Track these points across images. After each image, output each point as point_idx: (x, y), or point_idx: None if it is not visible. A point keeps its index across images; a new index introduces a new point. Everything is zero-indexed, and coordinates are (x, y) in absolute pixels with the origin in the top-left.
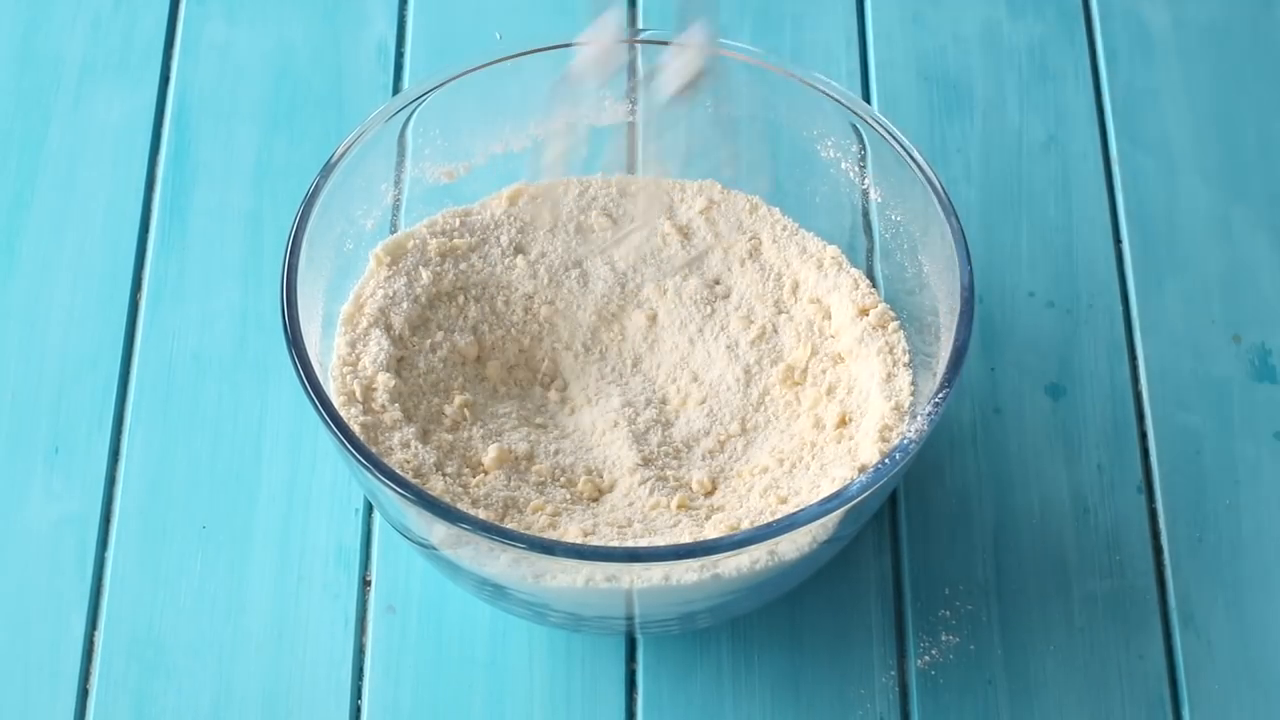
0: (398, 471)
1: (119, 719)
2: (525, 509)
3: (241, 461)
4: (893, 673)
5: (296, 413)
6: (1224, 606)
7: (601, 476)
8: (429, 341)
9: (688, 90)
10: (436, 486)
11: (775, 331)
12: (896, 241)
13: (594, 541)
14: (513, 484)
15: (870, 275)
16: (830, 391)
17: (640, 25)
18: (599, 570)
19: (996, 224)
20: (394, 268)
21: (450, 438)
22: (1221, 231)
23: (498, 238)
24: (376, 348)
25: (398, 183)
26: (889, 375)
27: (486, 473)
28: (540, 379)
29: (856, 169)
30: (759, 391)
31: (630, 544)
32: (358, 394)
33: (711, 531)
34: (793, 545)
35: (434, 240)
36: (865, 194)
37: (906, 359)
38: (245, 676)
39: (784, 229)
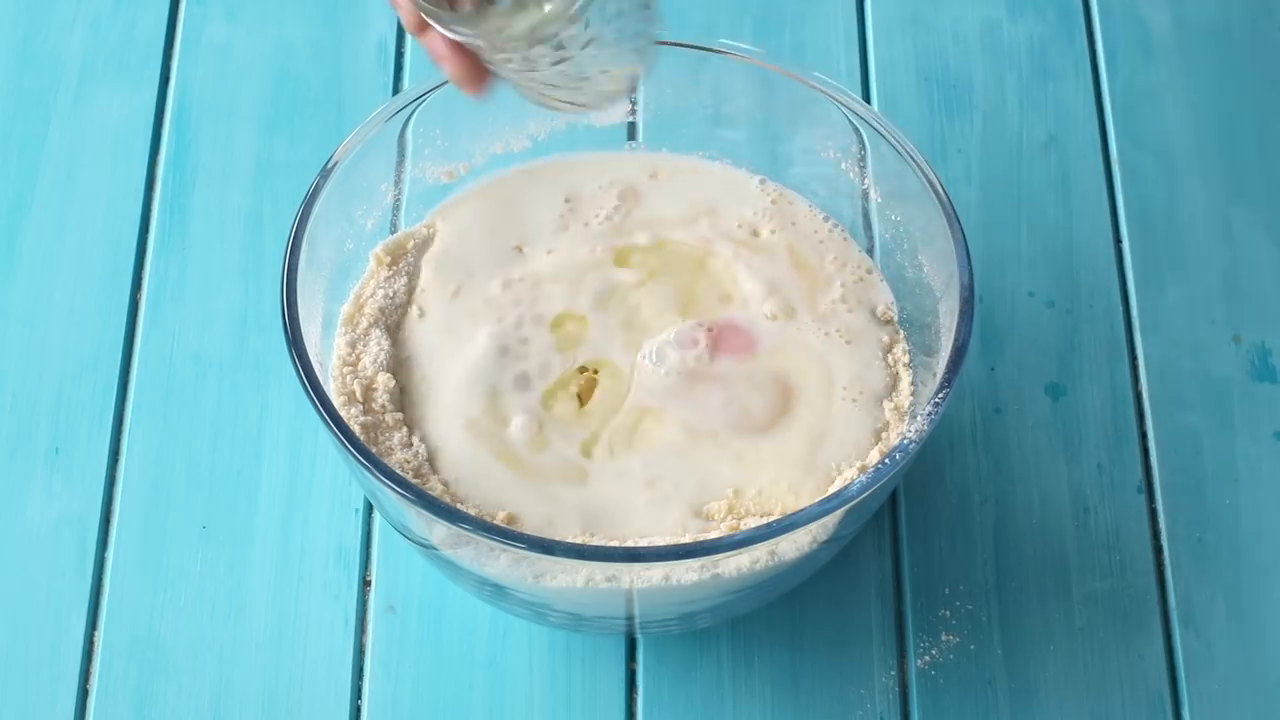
0: (398, 471)
1: (119, 719)
2: None
3: (241, 461)
4: (893, 673)
5: (296, 413)
6: (1224, 606)
7: None
8: None
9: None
10: (436, 487)
11: None
12: (896, 241)
13: (594, 541)
14: None
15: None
16: None
17: None
18: (599, 570)
19: (996, 224)
20: (394, 268)
21: None
22: (1221, 231)
23: None
24: (376, 348)
25: (398, 183)
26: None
27: None
28: None
29: (856, 169)
30: None
31: (630, 544)
32: (358, 394)
33: (712, 531)
34: (793, 545)
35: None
36: (865, 194)
37: (906, 359)
38: (245, 676)
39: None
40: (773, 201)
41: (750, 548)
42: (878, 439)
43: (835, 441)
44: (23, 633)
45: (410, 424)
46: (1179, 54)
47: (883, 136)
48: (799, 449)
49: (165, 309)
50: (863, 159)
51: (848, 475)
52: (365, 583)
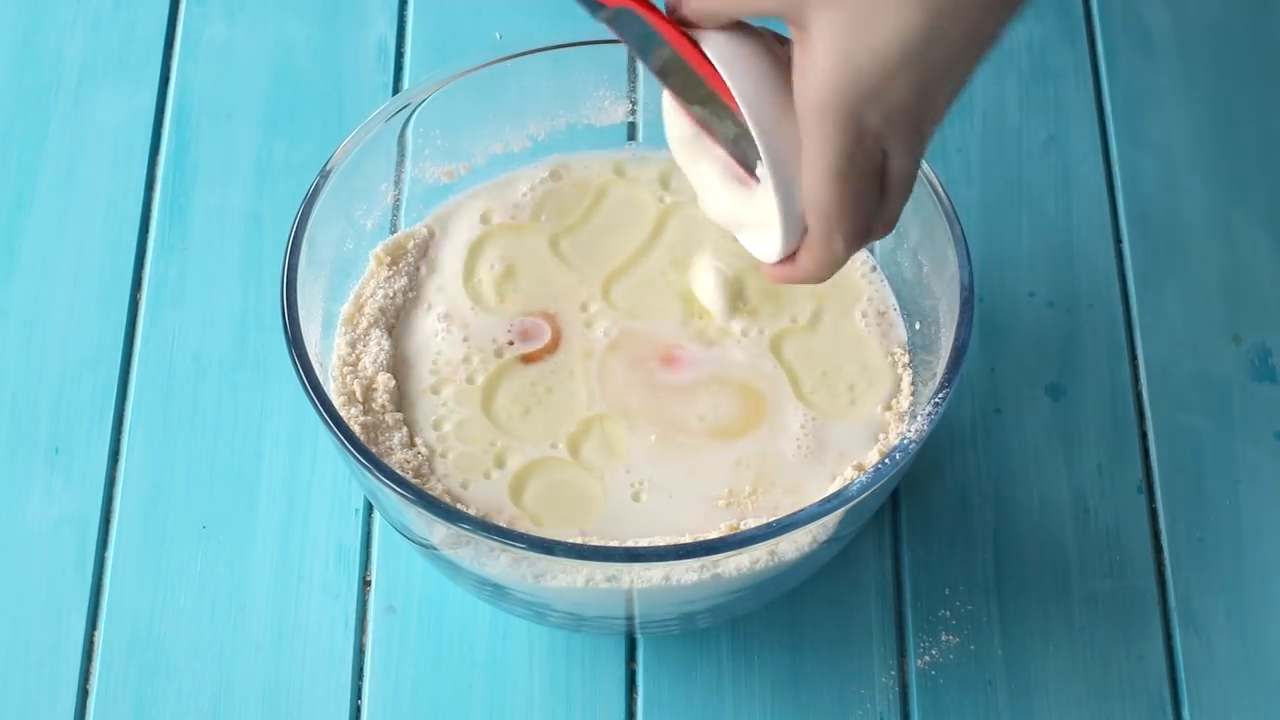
0: (398, 471)
1: (119, 719)
2: None
3: (241, 461)
4: (893, 673)
5: (296, 413)
6: (1224, 606)
7: None
8: None
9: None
10: (436, 487)
11: None
12: (896, 241)
13: (594, 541)
14: None
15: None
16: None
17: None
18: (599, 570)
19: (996, 224)
20: (394, 268)
21: None
22: (1221, 231)
23: None
24: (376, 348)
25: (398, 183)
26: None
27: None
28: None
29: None
30: None
31: (630, 544)
32: (358, 394)
33: (711, 531)
34: (793, 545)
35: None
36: None
37: (906, 359)
38: (245, 676)
39: None
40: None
41: (750, 548)
42: (877, 439)
43: (834, 442)
44: (23, 633)
45: (410, 424)
46: (1179, 54)
47: None
48: (798, 450)
49: (165, 309)
50: None
51: (848, 475)
52: (365, 583)
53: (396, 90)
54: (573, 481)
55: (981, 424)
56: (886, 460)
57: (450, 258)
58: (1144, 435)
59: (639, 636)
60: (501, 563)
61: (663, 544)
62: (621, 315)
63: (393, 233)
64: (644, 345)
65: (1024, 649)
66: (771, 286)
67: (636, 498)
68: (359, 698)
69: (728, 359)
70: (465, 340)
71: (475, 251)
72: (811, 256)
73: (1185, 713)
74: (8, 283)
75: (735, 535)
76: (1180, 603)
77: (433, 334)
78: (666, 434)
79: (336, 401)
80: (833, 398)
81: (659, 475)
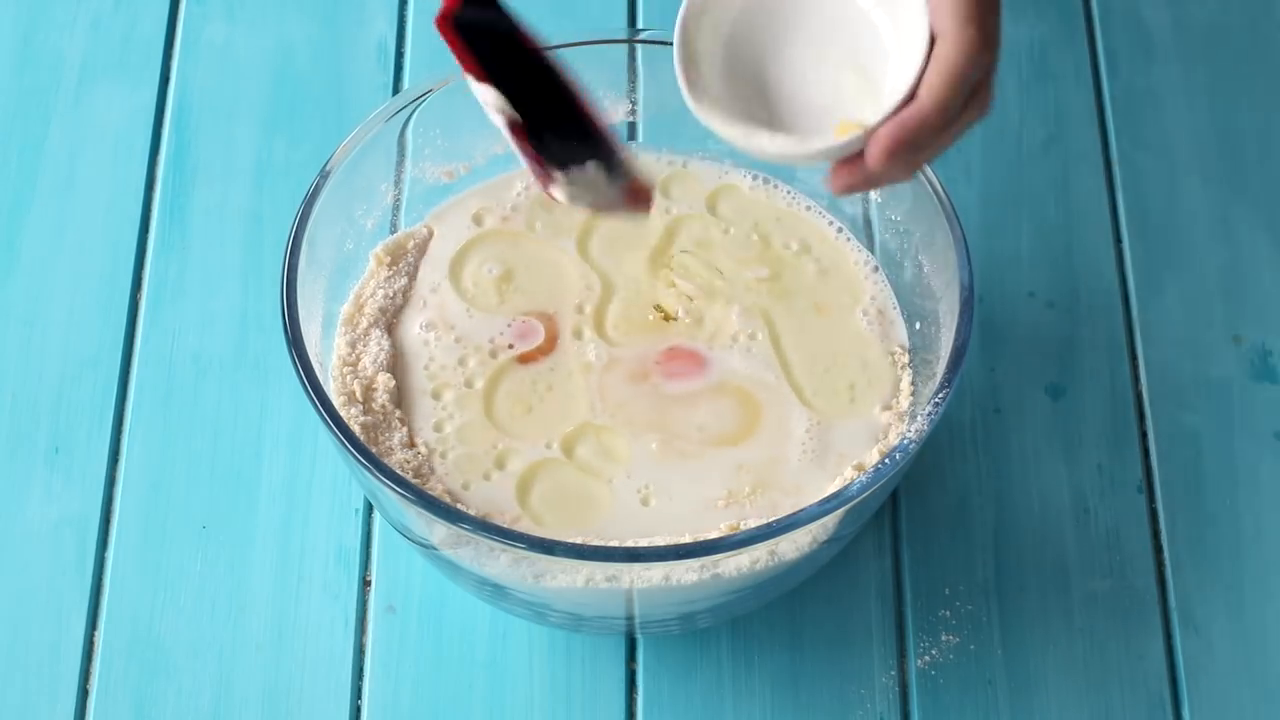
0: (398, 471)
1: (119, 719)
2: None
3: (241, 461)
4: (893, 673)
5: (296, 413)
6: (1224, 606)
7: None
8: None
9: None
10: (436, 487)
11: None
12: (896, 241)
13: (594, 542)
14: None
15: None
16: None
17: (640, 25)
18: (599, 570)
19: (996, 224)
20: (394, 268)
21: None
22: (1221, 231)
23: None
24: (376, 348)
25: (398, 183)
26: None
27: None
28: None
29: None
30: None
31: (630, 544)
32: (358, 394)
33: (712, 531)
34: (793, 545)
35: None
36: (865, 194)
37: (906, 359)
38: (245, 676)
39: None
40: (770, 196)
41: (750, 548)
42: (877, 439)
43: (835, 442)
44: (23, 633)
45: (410, 424)
46: (1179, 54)
47: None
48: (803, 455)
49: (165, 309)
50: None
51: (847, 475)
52: (365, 583)
53: (396, 90)
54: (578, 484)
55: (981, 424)
56: (886, 460)
57: (443, 259)
58: (1144, 435)
59: (639, 636)
60: (501, 563)
61: (662, 544)
62: (616, 327)
63: (393, 233)
64: (643, 354)
65: (1024, 649)
66: (768, 287)
67: (645, 502)
68: (359, 698)
69: (728, 366)
70: (458, 341)
71: (465, 253)
72: (949, 55)
73: (1185, 712)
74: (8, 283)
75: (735, 535)
76: (1180, 602)
77: (423, 341)
78: (668, 442)
79: (336, 401)
80: (833, 398)
81: (659, 479)
